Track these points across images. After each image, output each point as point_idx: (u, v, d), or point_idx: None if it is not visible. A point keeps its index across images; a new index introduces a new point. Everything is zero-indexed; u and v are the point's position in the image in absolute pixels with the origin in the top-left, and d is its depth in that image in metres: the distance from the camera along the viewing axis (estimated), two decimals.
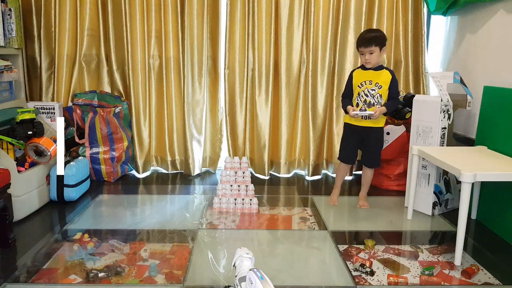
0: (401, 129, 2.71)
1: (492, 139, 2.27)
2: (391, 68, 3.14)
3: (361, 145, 2.49)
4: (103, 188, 2.83)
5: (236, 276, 1.44)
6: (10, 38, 2.57)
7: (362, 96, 2.36)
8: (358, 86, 2.37)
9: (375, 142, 2.46)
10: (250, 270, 1.38)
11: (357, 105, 2.37)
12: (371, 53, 2.29)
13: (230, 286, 1.56)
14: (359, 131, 2.41)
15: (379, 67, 2.36)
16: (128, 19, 2.95)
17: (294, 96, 3.10)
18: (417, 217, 2.38)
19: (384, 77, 2.34)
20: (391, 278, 1.70)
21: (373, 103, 2.34)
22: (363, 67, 2.40)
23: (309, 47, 3.02)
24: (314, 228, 2.22)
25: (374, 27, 3.03)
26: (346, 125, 2.48)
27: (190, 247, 1.96)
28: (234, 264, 1.49)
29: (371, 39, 2.29)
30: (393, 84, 2.37)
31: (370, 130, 2.39)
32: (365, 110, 2.34)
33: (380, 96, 2.33)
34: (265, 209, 2.48)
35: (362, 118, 2.37)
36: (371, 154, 2.49)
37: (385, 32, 3.02)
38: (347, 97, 2.47)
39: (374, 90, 2.33)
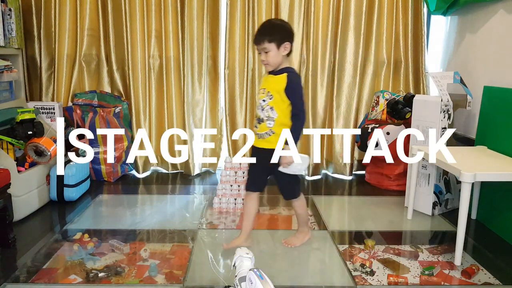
0: (401, 129, 2.71)
1: (492, 139, 2.27)
2: (393, 68, 3.14)
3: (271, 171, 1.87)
4: (103, 188, 2.83)
5: (236, 276, 1.44)
6: (10, 38, 2.57)
7: (258, 109, 1.82)
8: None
9: (278, 167, 1.81)
10: (250, 270, 1.39)
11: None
12: (266, 52, 1.74)
13: (230, 286, 1.56)
14: (262, 154, 1.83)
15: (282, 70, 1.78)
16: (128, 19, 2.95)
17: None
18: (417, 217, 2.38)
19: (278, 84, 1.74)
20: (391, 278, 1.70)
21: (263, 118, 1.78)
22: (271, 72, 1.82)
23: (309, 47, 3.02)
24: (314, 228, 2.22)
25: (374, 27, 3.03)
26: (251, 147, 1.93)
27: (190, 247, 1.96)
28: (234, 264, 1.49)
29: (262, 33, 1.74)
30: (291, 92, 1.74)
31: (268, 152, 1.80)
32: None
33: (272, 109, 1.75)
34: (265, 209, 2.48)
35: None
36: (280, 183, 1.89)
37: (384, 32, 3.07)
38: None
39: (265, 101, 1.77)
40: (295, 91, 1.75)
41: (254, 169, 1.91)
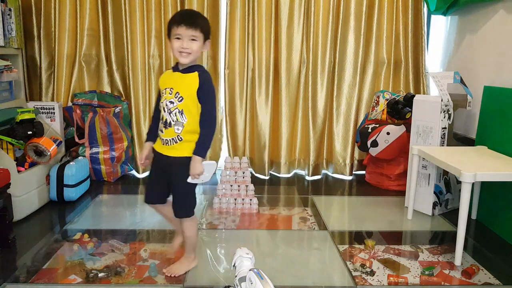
0: (401, 129, 2.71)
1: (492, 139, 2.27)
2: (393, 68, 3.15)
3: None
4: (103, 188, 2.82)
5: (236, 276, 1.44)
6: (10, 38, 2.57)
7: (162, 110, 1.60)
8: (161, 95, 1.61)
9: (177, 178, 1.60)
10: (250, 270, 1.39)
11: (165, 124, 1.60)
12: (194, 40, 1.52)
13: (230, 286, 1.56)
14: (166, 161, 1.62)
15: (192, 68, 1.57)
16: (128, 19, 2.95)
17: (294, 96, 3.10)
18: (417, 217, 2.38)
19: (189, 84, 1.55)
20: (391, 278, 1.70)
21: (170, 122, 1.57)
22: (174, 67, 1.61)
23: (309, 47, 3.02)
24: (314, 228, 2.22)
25: (374, 27, 3.03)
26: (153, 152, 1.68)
27: None
28: (234, 264, 1.49)
29: (198, 18, 1.55)
30: (204, 95, 1.55)
31: (172, 161, 1.59)
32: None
33: (181, 113, 1.55)
34: (265, 209, 2.48)
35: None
36: (176, 196, 1.66)
37: (385, 32, 3.07)
38: (156, 115, 1.68)
39: (173, 103, 1.55)
40: (208, 94, 1.56)
41: (155, 178, 1.69)
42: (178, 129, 1.56)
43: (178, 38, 1.51)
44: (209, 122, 1.57)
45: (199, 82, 1.53)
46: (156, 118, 1.67)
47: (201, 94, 1.54)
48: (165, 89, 1.58)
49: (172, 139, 1.57)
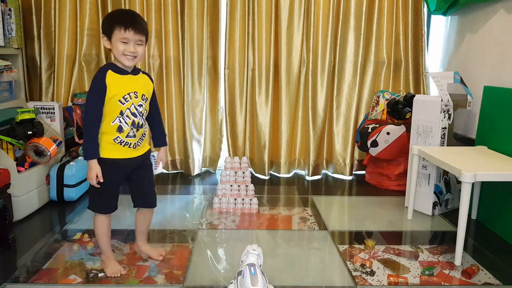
0: (401, 129, 2.71)
1: (492, 139, 2.27)
2: (393, 68, 3.15)
3: (129, 182, 1.73)
4: None
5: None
6: (10, 38, 2.57)
7: (127, 116, 1.59)
8: (120, 101, 1.57)
9: (148, 170, 1.76)
10: (247, 264, 1.44)
11: (120, 129, 1.59)
12: (139, 45, 1.57)
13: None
14: (130, 165, 1.66)
15: (136, 70, 1.65)
16: None
17: (294, 96, 3.10)
18: (417, 217, 2.38)
19: (146, 85, 1.67)
20: (391, 278, 1.70)
21: (142, 124, 1.66)
22: (115, 68, 1.59)
23: (309, 47, 3.02)
24: (314, 228, 2.22)
25: (374, 27, 3.04)
26: (109, 163, 1.59)
27: (190, 247, 1.95)
28: (242, 259, 1.53)
29: (144, 23, 1.58)
30: (154, 95, 1.74)
31: (142, 157, 1.70)
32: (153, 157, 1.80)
33: (146, 112, 1.68)
34: (265, 209, 2.48)
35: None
36: (146, 188, 1.77)
37: (385, 32, 3.07)
38: (96, 123, 1.57)
39: (142, 105, 1.63)
40: (155, 94, 1.75)
41: (117, 186, 1.67)
42: (145, 128, 1.70)
43: (124, 42, 1.54)
44: (160, 114, 1.81)
45: (152, 84, 1.71)
46: (97, 128, 1.57)
47: (153, 93, 1.72)
48: (128, 93, 1.59)
49: (141, 138, 1.68)
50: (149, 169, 1.76)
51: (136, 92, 1.61)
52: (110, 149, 1.59)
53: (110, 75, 1.56)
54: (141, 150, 1.68)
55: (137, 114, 1.62)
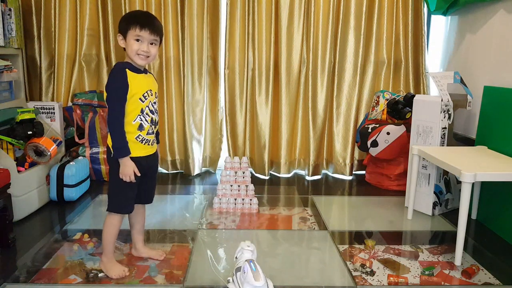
0: (401, 129, 2.71)
1: (492, 139, 2.27)
2: (393, 68, 3.15)
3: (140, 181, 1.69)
4: (103, 188, 2.82)
5: (235, 267, 1.48)
6: (10, 38, 2.57)
7: (147, 114, 1.62)
8: (141, 99, 1.59)
9: (157, 167, 1.82)
10: (245, 260, 1.45)
11: (141, 127, 1.60)
12: (153, 44, 1.59)
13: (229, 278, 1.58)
14: (149, 162, 1.69)
15: (145, 69, 1.67)
16: None
17: (294, 96, 3.10)
18: (417, 217, 2.38)
19: (156, 84, 1.72)
20: (391, 278, 1.70)
21: (157, 121, 1.71)
22: (131, 67, 1.59)
23: (309, 47, 3.02)
24: (314, 228, 2.22)
25: (374, 27, 3.04)
26: (133, 162, 1.60)
27: (190, 247, 1.96)
28: (236, 256, 1.54)
29: (159, 24, 1.60)
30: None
31: (155, 154, 1.74)
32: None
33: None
34: (265, 209, 2.48)
35: None
36: (151, 185, 1.81)
37: (385, 32, 3.07)
38: (123, 121, 1.57)
39: (156, 103, 1.68)
40: None
41: (137, 185, 1.66)
42: (158, 124, 1.73)
43: (138, 40, 1.55)
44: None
45: (157, 83, 1.73)
46: (124, 126, 1.57)
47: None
48: (146, 92, 1.61)
49: (155, 135, 1.72)
50: (157, 167, 1.82)
51: (151, 90, 1.64)
52: (133, 148, 1.59)
53: (129, 74, 1.57)
54: (155, 148, 1.73)
55: (154, 111, 1.66)
